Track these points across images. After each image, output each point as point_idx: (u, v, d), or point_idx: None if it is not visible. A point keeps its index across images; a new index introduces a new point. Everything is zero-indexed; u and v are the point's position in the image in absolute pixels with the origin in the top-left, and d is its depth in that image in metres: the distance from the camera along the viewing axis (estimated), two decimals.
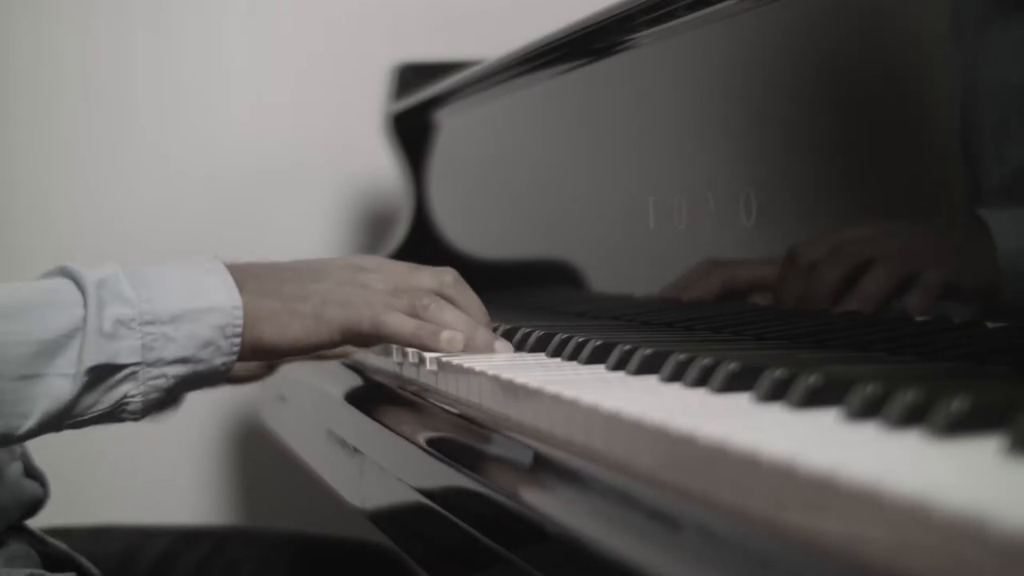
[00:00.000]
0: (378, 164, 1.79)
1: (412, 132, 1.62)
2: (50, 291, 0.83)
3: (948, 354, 0.70)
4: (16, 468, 1.00)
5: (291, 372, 1.19)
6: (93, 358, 0.82)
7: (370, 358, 1.07)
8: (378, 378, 1.00)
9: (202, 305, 0.85)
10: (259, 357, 0.90)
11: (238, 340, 0.86)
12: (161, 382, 0.84)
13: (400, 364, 0.95)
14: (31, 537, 1.01)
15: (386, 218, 1.81)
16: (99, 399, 0.83)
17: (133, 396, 0.84)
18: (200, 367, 0.85)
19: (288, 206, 1.86)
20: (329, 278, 0.90)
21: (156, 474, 1.80)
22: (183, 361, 0.85)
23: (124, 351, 0.83)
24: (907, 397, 0.50)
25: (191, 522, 1.63)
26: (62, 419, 0.83)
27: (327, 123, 1.87)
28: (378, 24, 1.88)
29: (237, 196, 1.85)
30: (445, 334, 0.87)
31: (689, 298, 0.97)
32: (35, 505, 1.02)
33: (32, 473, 1.02)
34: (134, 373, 0.83)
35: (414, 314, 0.89)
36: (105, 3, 1.80)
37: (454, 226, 1.55)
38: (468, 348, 0.88)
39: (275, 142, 1.86)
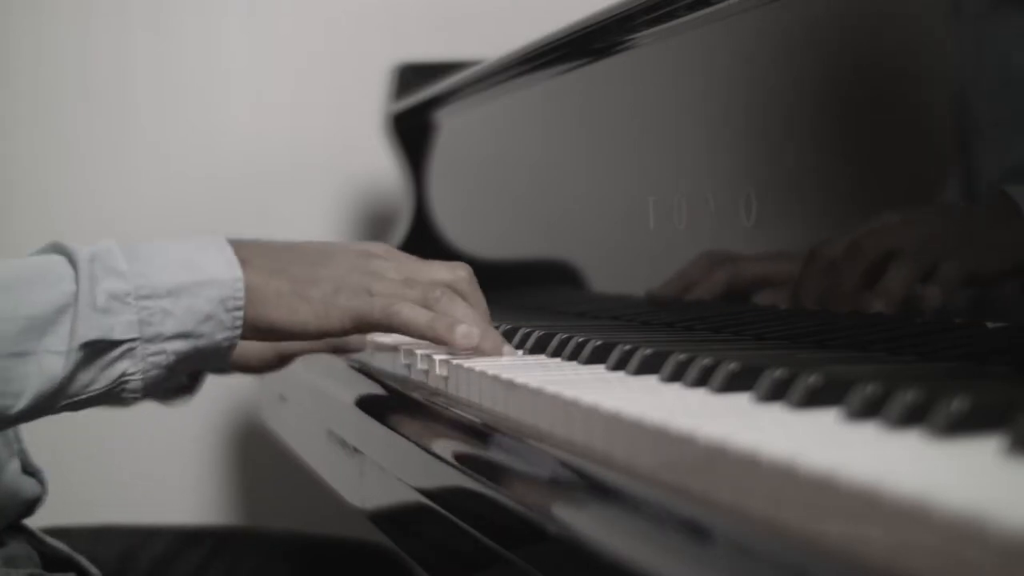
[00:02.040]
0: (378, 164, 1.79)
1: (412, 132, 1.62)
2: (40, 266, 0.81)
3: (948, 354, 0.70)
4: (14, 465, 1.00)
5: (291, 372, 1.19)
6: (86, 334, 0.78)
7: (376, 358, 1.06)
8: (376, 376, 1.00)
9: (201, 278, 0.82)
10: (264, 337, 0.87)
11: (240, 314, 0.83)
12: (161, 359, 0.81)
13: (408, 366, 0.94)
14: (31, 537, 1.01)
15: (386, 218, 1.82)
16: (96, 377, 0.80)
17: (132, 374, 0.81)
18: (201, 342, 0.82)
19: (288, 206, 1.86)
20: (339, 264, 0.87)
21: (156, 474, 1.80)
22: (183, 336, 0.81)
23: (119, 326, 0.80)
24: (907, 397, 0.50)
25: (191, 522, 1.63)
26: (57, 398, 0.80)
27: (327, 123, 1.87)
28: (378, 24, 1.88)
29: (237, 196, 1.85)
30: (461, 328, 0.84)
31: (691, 296, 0.96)
32: (33, 502, 1.01)
33: (29, 470, 1.02)
34: (131, 349, 0.80)
35: (426, 305, 0.86)
36: (105, 3, 1.80)
37: (454, 226, 1.55)
38: (477, 348, 0.85)
39: (275, 142, 1.86)
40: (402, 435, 0.82)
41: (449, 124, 1.54)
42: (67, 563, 1.01)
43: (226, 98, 1.85)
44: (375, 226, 1.87)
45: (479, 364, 0.81)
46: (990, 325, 0.67)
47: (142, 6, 1.82)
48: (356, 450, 0.96)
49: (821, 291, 0.81)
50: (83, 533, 1.17)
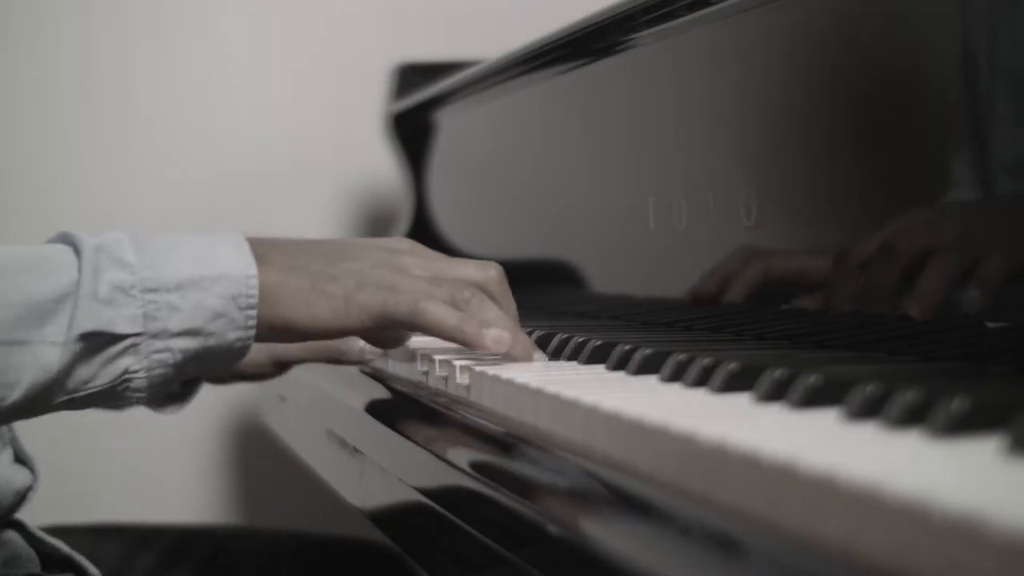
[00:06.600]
0: (378, 164, 1.79)
1: (412, 132, 1.62)
2: (43, 253, 0.77)
3: (948, 354, 0.70)
4: (6, 455, 0.99)
5: (291, 373, 1.19)
6: (84, 325, 0.74)
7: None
8: (377, 376, 1.00)
9: (212, 273, 0.77)
10: (281, 338, 0.82)
11: (254, 313, 0.78)
12: (166, 356, 0.77)
13: (425, 373, 0.91)
14: (29, 536, 1.01)
15: (386, 218, 1.82)
16: (96, 373, 0.76)
17: (136, 371, 0.76)
18: (211, 342, 0.78)
19: (288, 206, 1.86)
20: (362, 258, 0.83)
21: (156, 474, 1.80)
22: (191, 333, 0.77)
23: (122, 320, 0.75)
24: (907, 397, 0.50)
25: (191, 522, 1.63)
26: (54, 392, 0.76)
27: (327, 123, 1.87)
28: (378, 24, 1.88)
29: (237, 196, 1.85)
30: (492, 332, 0.80)
31: (731, 292, 0.92)
32: (25, 493, 1.00)
33: (21, 458, 1.00)
34: (135, 345, 0.76)
35: (454, 306, 0.81)
36: (106, 3, 1.80)
37: (454, 226, 1.55)
38: (507, 354, 0.81)
39: (275, 142, 1.86)
40: (401, 435, 0.82)
41: (449, 124, 1.54)
42: (66, 563, 1.01)
43: (226, 98, 1.85)
44: (375, 226, 1.87)
45: (479, 364, 0.81)
46: (990, 325, 0.67)
47: (143, 6, 1.82)
48: (356, 450, 0.96)
49: (849, 293, 0.79)
50: (83, 532, 1.17)
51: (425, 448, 0.76)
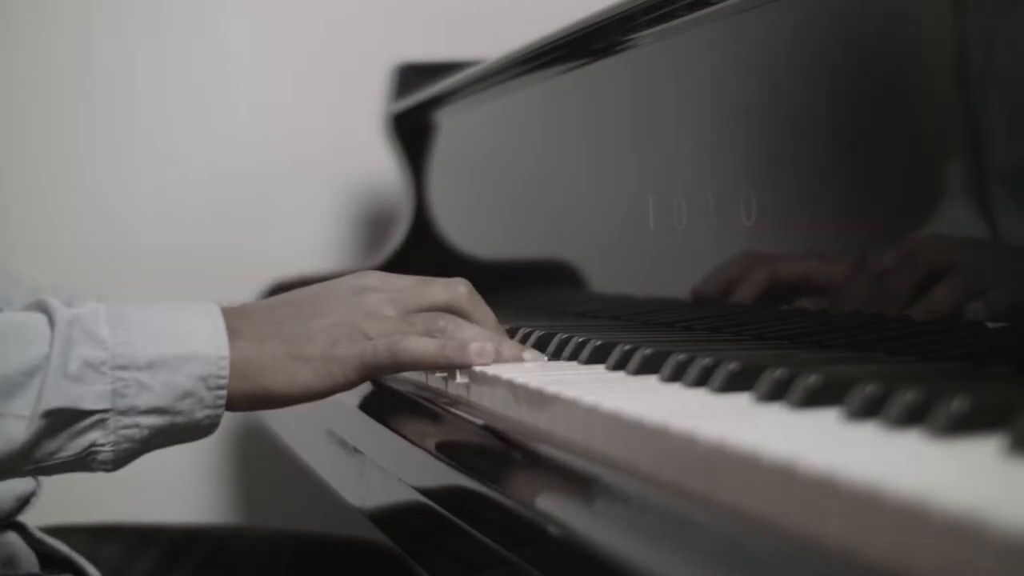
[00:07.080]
0: (378, 164, 1.79)
1: (412, 132, 1.62)
2: (16, 325, 0.77)
3: (948, 354, 0.70)
4: None
5: None
6: (52, 401, 0.75)
7: None
8: (387, 382, 1.00)
9: (183, 352, 0.78)
10: (266, 407, 0.83)
11: (223, 393, 0.79)
12: (133, 432, 0.78)
13: (426, 374, 0.90)
14: (28, 536, 1.01)
15: (386, 218, 1.82)
16: (63, 446, 0.77)
17: (102, 445, 0.77)
18: (179, 419, 0.79)
19: (288, 206, 1.86)
20: (332, 310, 0.82)
21: (156, 473, 1.79)
22: (158, 412, 0.78)
23: (90, 396, 0.76)
24: (907, 397, 0.50)
25: (191, 522, 1.63)
26: (19, 463, 0.77)
27: (327, 123, 1.87)
28: (378, 24, 1.88)
29: (237, 196, 1.85)
30: (474, 346, 0.80)
31: (733, 296, 0.93)
32: (27, 498, 1.00)
33: None
34: (103, 420, 0.77)
35: (430, 337, 0.82)
36: (106, 3, 1.80)
37: (454, 226, 1.55)
38: (496, 360, 0.81)
39: (275, 142, 1.86)
40: (401, 435, 0.82)
41: (449, 124, 1.54)
42: (65, 563, 1.01)
43: (226, 98, 1.85)
44: (375, 226, 1.87)
45: (476, 365, 0.81)
46: (990, 325, 0.67)
47: (143, 6, 1.82)
48: (356, 450, 0.96)
49: (850, 293, 0.79)
50: (82, 532, 1.17)
51: (425, 448, 0.76)
